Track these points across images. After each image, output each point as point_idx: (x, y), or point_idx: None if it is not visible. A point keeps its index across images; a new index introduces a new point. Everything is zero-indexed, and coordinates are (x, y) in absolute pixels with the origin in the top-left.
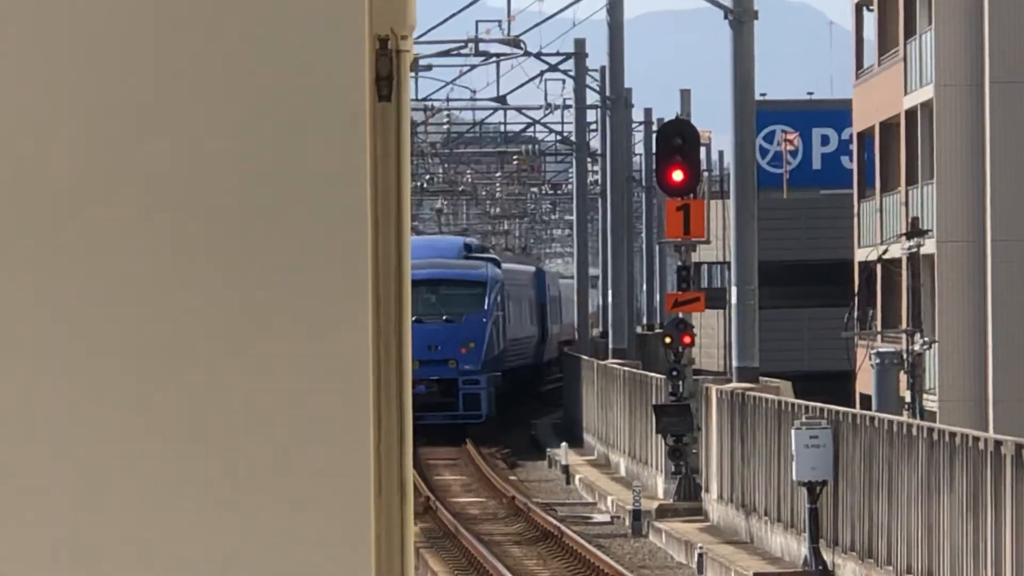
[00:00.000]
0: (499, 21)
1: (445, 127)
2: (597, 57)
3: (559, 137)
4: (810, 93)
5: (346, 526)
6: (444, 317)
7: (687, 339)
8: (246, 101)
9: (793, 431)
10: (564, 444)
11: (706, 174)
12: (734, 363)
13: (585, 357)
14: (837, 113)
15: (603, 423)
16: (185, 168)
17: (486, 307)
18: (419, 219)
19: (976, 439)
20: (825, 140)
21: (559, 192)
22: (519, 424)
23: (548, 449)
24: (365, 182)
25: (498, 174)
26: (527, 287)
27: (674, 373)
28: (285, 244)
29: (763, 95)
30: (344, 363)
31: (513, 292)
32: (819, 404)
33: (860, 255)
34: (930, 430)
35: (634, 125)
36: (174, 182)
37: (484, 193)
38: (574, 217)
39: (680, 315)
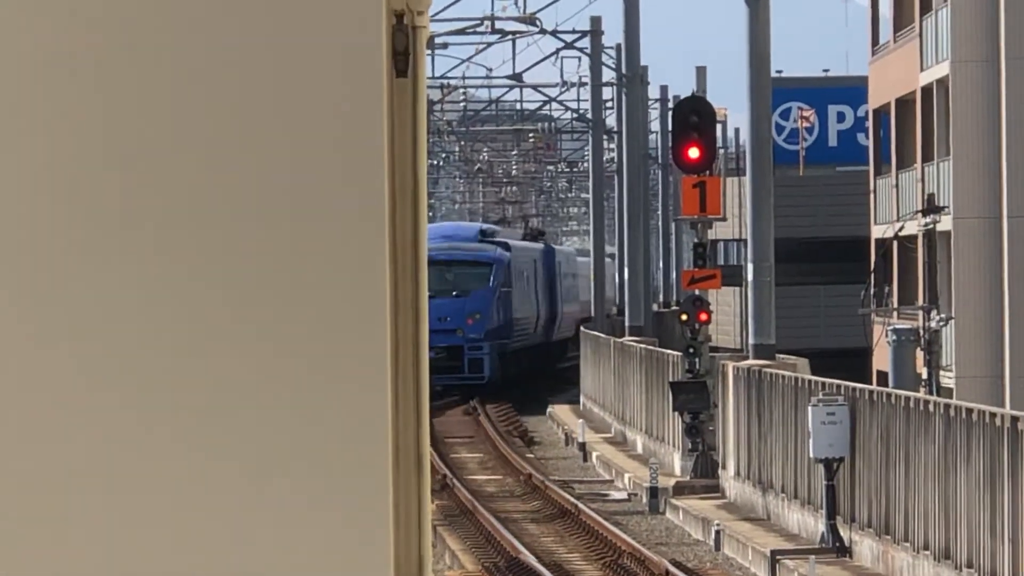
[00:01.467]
0: None
1: (461, 105)
2: (613, 34)
3: (575, 115)
4: (826, 70)
5: (365, 501)
6: (454, 292)
7: (703, 316)
8: (264, 76)
9: (810, 408)
10: (581, 422)
11: (722, 151)
12: (750, 340)
13: (602, 335)
14: (853, 90)
15: (619, 400)
16: (203, 142)
17: (491, 284)
18: (435, 197)
19: (993, 415)
20: (841, 117)
21: (575, 170)
22: (535, 399)
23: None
24: (382, 157)
25: (514, 152)
26: (536, 267)
27: (691, 350)
28: (304, 219)
29: (779, 72)
30: (363, 339)
31: (522, 272)
32: (836, 381)
33: (876, 232)
34: (947, 406)
35: (650, 102)
36: (193, 159)
37: (500, 171)
38: (590, 195)
39: (696, 292)
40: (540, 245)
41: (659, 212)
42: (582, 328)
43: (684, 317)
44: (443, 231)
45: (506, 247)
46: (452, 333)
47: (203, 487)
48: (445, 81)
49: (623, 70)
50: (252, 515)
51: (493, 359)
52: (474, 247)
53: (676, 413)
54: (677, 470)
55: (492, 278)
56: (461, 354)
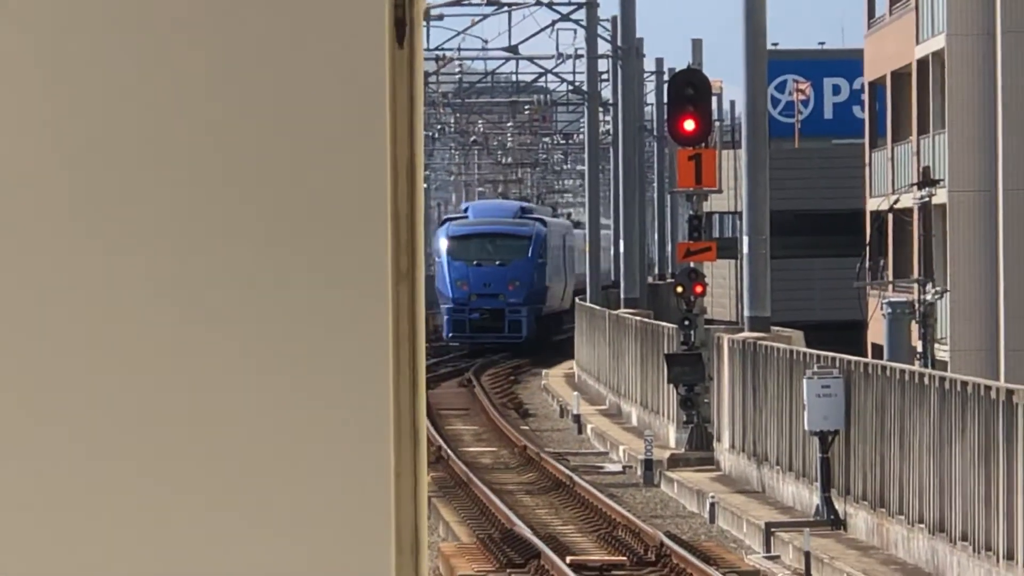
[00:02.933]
0: None
1: (457, 77)
2: (609, 7)
3: (571, 87)
4: (821, 43)
5: (367, 473)
6: (497, 262)
7: (699, 289)
8: (262, 44)
9: (805, 380)
10: (576, 394)
11: (718, 124)
12: (746, 312)
13: (597, 307)
14: (849, 63)
15: (615, 373)
16: (200, 111)
17: (529, 255)
18: (430, 168)
19: (988, 388)
20: (836, 90)
21: (571, 142)
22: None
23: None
24: (384, 129)
25: (510, 124)
26: (565, 242)
27: (686, 322)
28: (301, 190)
29: (775, 45)
30: (362, 310)
31: (555, 246)
32: (831, 354)
33: (872, 205)
34: (942, 379)
35: (646, 75)
36: (188, 128)
37: (496, 143)
38: (586, 167)
39: (692, 265)
40: (568, 222)
41: (655, 184)
42: (577, 300)
43: (679, 289)
44: (487, 208)
45: (543, 223)
46: (495, 298)
47: (208, 445)
48: (441, 53)
49: (619, 42)
50: (249, 487)
51: (530, 321)
52: (515, 222)
53: (671, 385)
54: (672, 442)
55: (531, 250)
56: (502, 316)
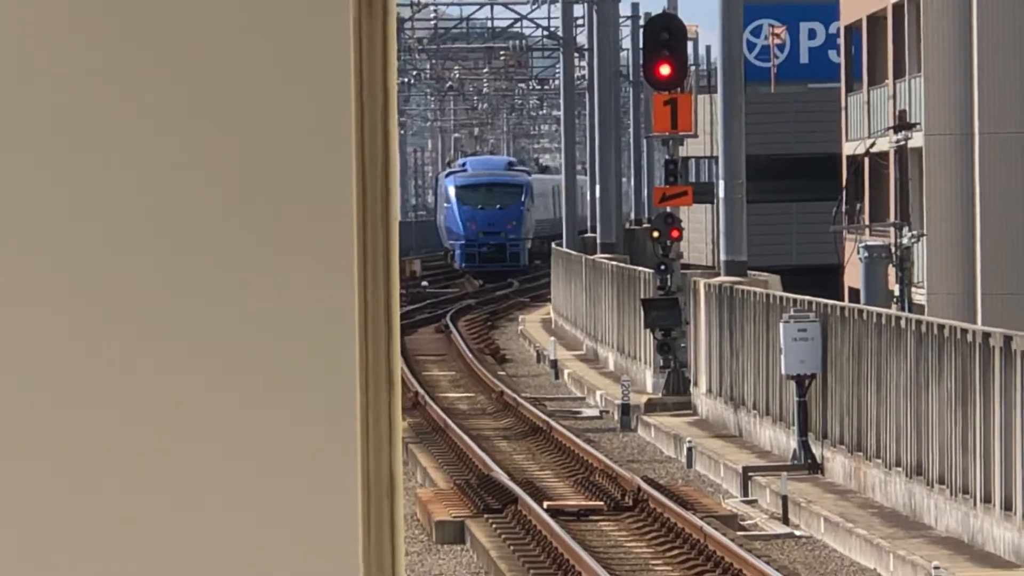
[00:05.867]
0: None
1: (432, 23)
2: None
3: (546, 33)
4: None
5: (331, 417)
6: (497, 206)
7: (675, 233)
8: None
9: (781, 325)
10: (553, 339)
11: (693, 69)
12: (722, 257)
13: (573, 252)
14: (824, 7)
15: (591, 318)
16: (167, 78)
17: (522, 200)
18: (406, 115)
19: (964, 331)
20: (812, 34)
21: (546, 88)
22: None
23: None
24: (349, 73)
25: (485, 70)
26: (544, 189)
27: (662, 267)
28: (265, 139)
29: None
30: (329, 250)
31: (538, 192)
32: (807, 298)
33: (848, 149)
34: (919, 323)
35: (621, 20)
36: (159, 109)
37: (471, 89)
38: (561, 113)
39: (668, 209)
40: (546, 176)
41: (631, 130)
42: (553, 245)
43: (656, 234)
44: (482, 162)
45: (528, 174)
46: (497, 235)
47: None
48: None
49: None
50: (216, 430)
51: (526, 252)
52: (509, 173)
53: (648, 330)
54: (649, 387)
55: (523, 195)
56: (504, 249)
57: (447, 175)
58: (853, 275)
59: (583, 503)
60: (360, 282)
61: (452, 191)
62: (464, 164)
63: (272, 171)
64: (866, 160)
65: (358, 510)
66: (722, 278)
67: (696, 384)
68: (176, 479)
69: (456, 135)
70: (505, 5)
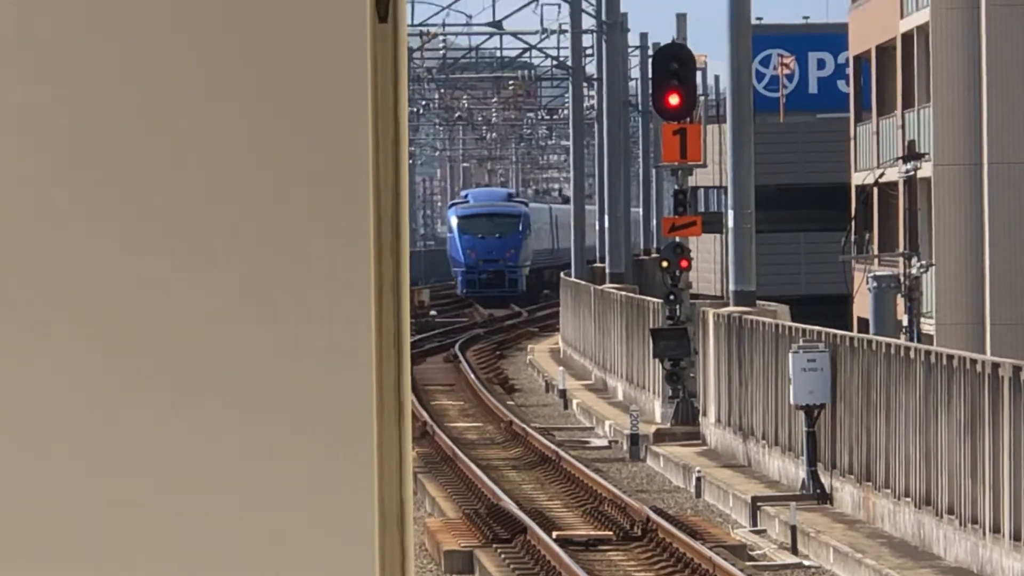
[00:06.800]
0: None
1: (441, 52)
2: None
3: (555, 62)
4: (806, 17)
5: (350, 449)
6: (496, 235)
7: (684, 263)
8: (242, 21)
9: (791, 354)
10: (562, 369)
11: (702, 98)
12: (731, 287)
13: (582, 282)
14: (833, 37)
15: (600, 348)
16: (181, 89)
17: (520, 230)
18: (415, 144)
19: (974, 361)
20: (821, 64)
21: (555, 117)
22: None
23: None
24: (367, 104)
25: (494, 100)
26: (543, 218)
27: (671, 297)
28: (283, 167)
29: (759, 19)
30: (345, 284)
31: (536, 221)
32: (816, 327)
33: (857, 179)
34: (928, 353)
35: (630, 50)
36: (169, 110)
37: (480, 119)
38: (570, 142)
39: (677, 239)
40: (546, 205)
41: (639, 159)
42: (562, 275)
43: (665, 264)
44: (483, 193)
45: (526, 204)
46: (496, 262)
47: (190, 423)
48: (425, 28)
49: (603, 17)
50: (236, 459)
51: (524, 278)
52: (508, 204)
53: (657, 360)
54: (658, 417)
55: (520, 225)
56: (503, 276)
57: (451, 206)
58: (862, 305)
59: (592, 533)
60: (376, 308)
61: (455, 222)
62: (467, 196)
63: (289, 202)
64: (875, 190)
65: (375, 542)
66: (731, 308)
67: (705, 414)
68: (197, 513)
69: (465, 164)
70: (514, 35)
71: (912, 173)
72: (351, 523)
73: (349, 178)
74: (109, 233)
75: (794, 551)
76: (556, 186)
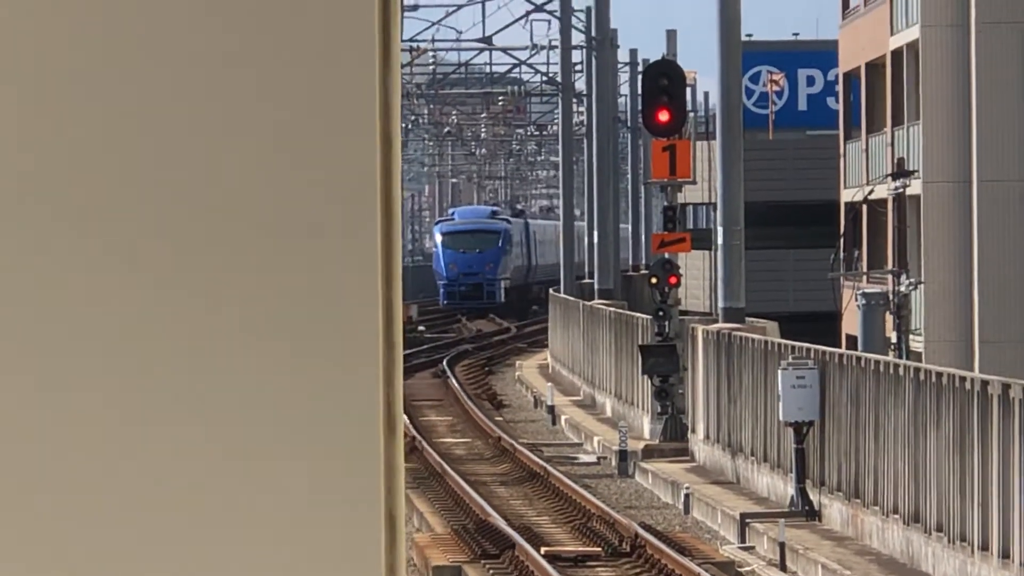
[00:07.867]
0: None
1: (431, 68)
2: None
3: (545, 78)
4: (796, 34)
5: (351, 460)
6: (477, 250)
7: (673, 279)
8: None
9: (780, 371)
10: (550, 385)
11: (692, 115)
12: (720, 303)
13: (571, 298)
14: (823, 54)
15: (589, 364)
16: (183, 89)
17: (499, 245)
18: (405, 160)
19: (963, 379)
20: (811, 81)
21: (544, 133)
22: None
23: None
24: (374, 119)
25: (483, 115)
26: (522, 235)
27: (660, 313)
28: (291, 180)
29: (749, 36)
30: (351, 303)
31: (515, 238)
32: (805, 344)
33: (846, 196)
34: (917, 370)
35: (620, 66)
36: (171, 114)
37: (470, 134)
38: (560, 158)
39: (666, 256)
40: (523, 221)
41: (629, 175)
42: (551, 291)
43: (654, 280)
44: (467, 211)
45: (508, 221)
46: (476, 275)
47: (188, 434)
48: (415, 44)
49: (593, 33)
50: (232, 481)
51: (501, 291)
52: (488, 221)
53: (645, 376)
54: (646, 433)
55: (500, 241)
56: (482, 289)
57: (437, 223)
58: (851, 322)
59: (580, 549)
60: (384, 330)
61: (439, 238)
62: (452, 213)
63: (293, 220)
64: (864, 207)
65: (381, 561)
66: (720, 325)
67: (694, 430)
68: (196, 526)
69: (453, 180)
70: (504, 51)
71: (901, 190)
72: (351, 534)
73: (356, 197)
74: (117, 242)
75: (783, 568)
76: (545, 202)
